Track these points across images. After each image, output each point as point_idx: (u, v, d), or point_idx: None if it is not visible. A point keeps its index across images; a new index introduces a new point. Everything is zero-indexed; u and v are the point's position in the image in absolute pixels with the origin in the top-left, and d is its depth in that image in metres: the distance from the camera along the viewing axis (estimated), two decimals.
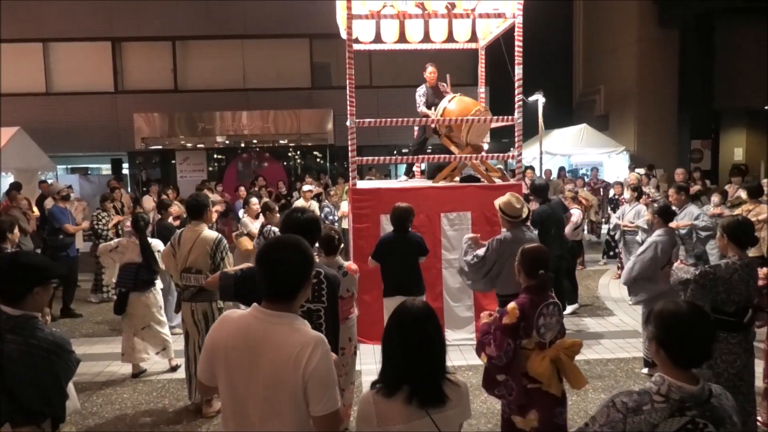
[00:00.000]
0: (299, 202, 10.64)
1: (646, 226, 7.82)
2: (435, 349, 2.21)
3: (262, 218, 7.29)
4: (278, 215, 7.63)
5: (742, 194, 8.33)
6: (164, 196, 10.73)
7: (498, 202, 4.95)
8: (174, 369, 5.90)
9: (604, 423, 1.98)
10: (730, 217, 4.23)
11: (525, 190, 8.23)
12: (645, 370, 5.55)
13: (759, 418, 4.36)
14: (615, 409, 1.96)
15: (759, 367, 4.39)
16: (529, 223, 6.42)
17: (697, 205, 7.73)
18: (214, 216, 8.45)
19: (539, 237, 5.59)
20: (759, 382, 4.59)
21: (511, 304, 3.29)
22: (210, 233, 4.91)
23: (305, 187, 10.95)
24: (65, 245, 8.10)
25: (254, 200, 7.69)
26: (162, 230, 7.06)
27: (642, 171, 12.96)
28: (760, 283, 4.06)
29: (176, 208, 8.06)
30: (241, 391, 2.12)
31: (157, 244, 5.94)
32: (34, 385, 2.48)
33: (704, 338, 1.95)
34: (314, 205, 10.56)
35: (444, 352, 2.26)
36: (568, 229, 7.74)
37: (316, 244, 3.49)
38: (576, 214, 8.65)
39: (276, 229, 6.72)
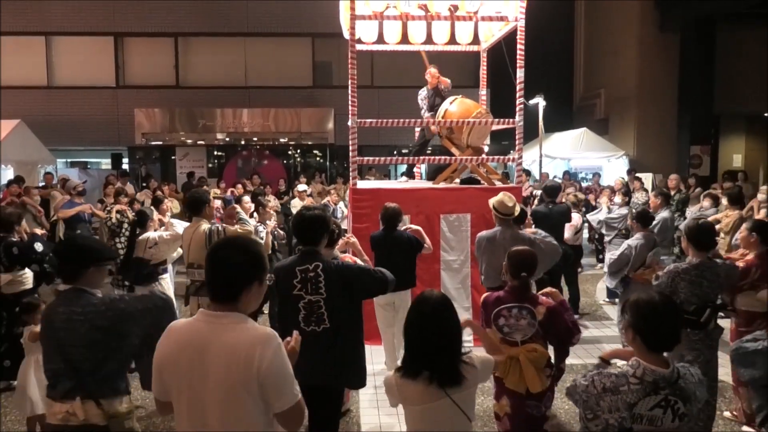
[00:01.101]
0: (295, 202, 10.65)
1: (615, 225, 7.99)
2: (452, 335, 2.44)
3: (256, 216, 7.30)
4: (271, 213, 7.63)
5: (724, 201, 8.43)
6: (158, 192, 10.73)
7: (492, 200, 5.26)
8: None
9: (583, 391, 2.26)
10: (692, 221, 4.47)
11: (524, 193, 8.28)
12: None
13: (728, 414, 4.72)
14: (593, 386, 2.23)
15: (724, 359, 4.47)
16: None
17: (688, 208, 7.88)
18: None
19: None
20: (729, 378, 4.84)
21: (485, 293, 3.73)
22: (204, 228, 4.98)
23: (300, 187, 10.95)
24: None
25: (246, 198, 7.64)
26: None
27: (640, 176, 13.05)
28: (740, 264, 4.33)
29: (169, 204, 8.08)
30: (197, 397, 2.05)
31: (162, 234, 6.00)
32: (80, 350, 2.60)
33: (674, 325, 2.24)
34: None
35: (460, 336, 2.49)
36: (568, 234, 7.76)
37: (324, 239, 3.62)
38: (575, 218, 8.67)
39: (261, 228, 6.72)
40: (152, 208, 7.01)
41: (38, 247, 5.68)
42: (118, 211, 8.10)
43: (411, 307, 2.55)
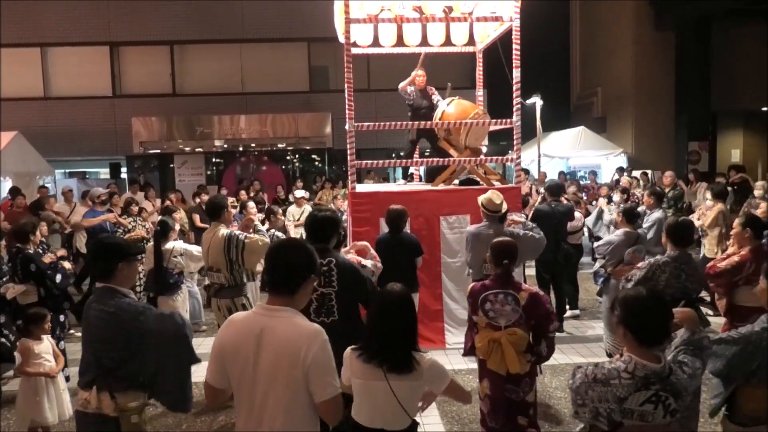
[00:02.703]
0: (292, 209, 10.64)
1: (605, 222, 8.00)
2: (407, 326, 2.69)
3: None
4: (281, 218, 7.66)
5: (707, 195, 8.45)
6: (168, 202, 10.66)
7: (481, 198, 5.46)
8: None
9: (577, 379, 2.30)
10: (673, 217, 4.66)
11: (523, 192, 8.26)
12: None
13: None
14: (585, 375, 2.28)
15: None
16: (529, 219, 6.54)
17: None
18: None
19: None
20: None
21: (471, 284, 3.97)
22: (222, 232, 5.02)
23: (298, 193, 10.94)
24: None
25: (251, 204, 7.66)
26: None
27: (636, 174, 13.04)
28: (735, 259, 4.39)
29: (179, 215, 8.07)
30: (250, 386, 2.27)
31: (189, 248, 6.11)
32: (105, 344, 2.77)
33: (662, 319, 2.26)
34: (307, 210, 10.55)
35: (415, 330, 2.72)
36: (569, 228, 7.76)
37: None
38: (577, 217, 8.65)
39: (280, 234, 6.77)
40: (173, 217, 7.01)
41: (58, 278, 5.62)
42: (142, 238, 8.04)
43: (376, 299, 2.85)
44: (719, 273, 4.43)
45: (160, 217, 7.27)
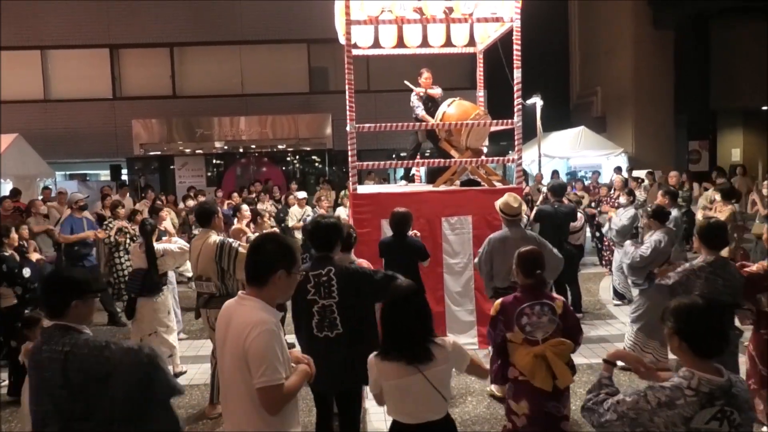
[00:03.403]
0: (294, 210, 10.65)
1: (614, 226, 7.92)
2: (420, 317, 2.74)
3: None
4: (267, 222, 7.58)
5: (716, 196, 8.42)
6: (158, 201, 10.66)
7: (498, 203, 5.35)
8: (178, 375, 5.89)
9: (631, 408, 2.10)
10: (703, 220, 4.44)
11: (523, 193, 8.24)
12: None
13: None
14: (645, 401, 2.07)
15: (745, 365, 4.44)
16: (531, 219, 6.51)
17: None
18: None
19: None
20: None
21: (498, 300, 3.70)
22: (214, 239, 4.90)
23: (300, 194, 10.96)
24: (81, 255, 8.00)
25: (245, 207, 7.61)
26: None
27: (637, 174, 13.00)
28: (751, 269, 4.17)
29: (166, 213, 8.03)
30: (221, 364, 2.47)
31: (169, 247, 6.00)
32: (64, 393, 2.40)
33: (722, 326, 2.11)
34: (308, 211, 10.57)
35: (429, 319, 2.78)
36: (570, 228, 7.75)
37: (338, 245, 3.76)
38: (578, 217, 8.65)
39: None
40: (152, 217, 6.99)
41: (26, 272, 5.66)
42: (119, 229, 8.04)
43: (387, 296, 2.87)
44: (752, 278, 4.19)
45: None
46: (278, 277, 2.41)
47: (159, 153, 17.26)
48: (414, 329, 2.69)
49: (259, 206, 10.01)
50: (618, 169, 14.20)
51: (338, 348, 3.41)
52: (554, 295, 3.64)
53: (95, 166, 19.23)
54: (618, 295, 8.34)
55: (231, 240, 4.96)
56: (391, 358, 2.67)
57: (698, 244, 4.13)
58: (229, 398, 2.44)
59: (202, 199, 11.04)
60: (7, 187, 12.38)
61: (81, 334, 2.48)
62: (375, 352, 2.76)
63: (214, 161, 17.80)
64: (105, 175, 18.73)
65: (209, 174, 17.52)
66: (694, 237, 4.22)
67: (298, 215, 10.49)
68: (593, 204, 11.23)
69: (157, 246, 5.95)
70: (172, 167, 17.39)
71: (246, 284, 2.46)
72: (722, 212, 7.73)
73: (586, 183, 14.13)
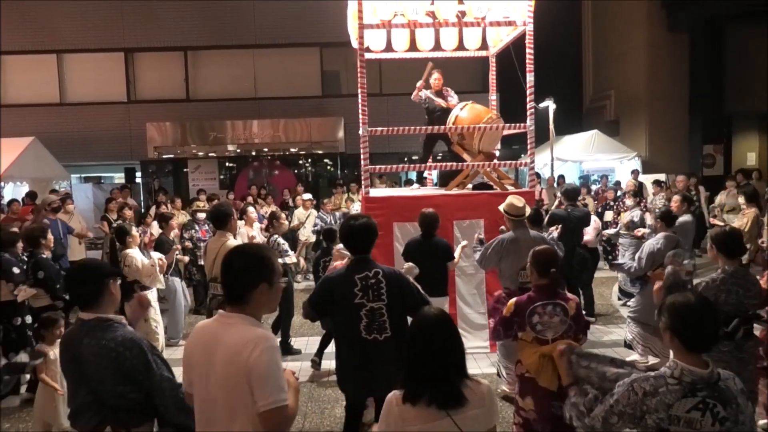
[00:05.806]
0: (299, 211, 10.69)
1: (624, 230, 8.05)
2: (452, 352, 2.28)
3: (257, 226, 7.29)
4: (285, 224, 7.59)
5: (740, 199, 8.36)
6: (164, 208, 10.63)
7: (501, 206, 5.40)
8: None
9: (627, 404, 2.21)
10: (718, 228, 4.37)
11: (536, 197, 8.23)
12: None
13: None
14: (633, 392, 2.20)
15: None
16: (545, 224, 6.53)
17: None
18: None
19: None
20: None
21: (512, 300, 3.70)
22: (232, 242, 4.92)
23: (305, 196, 10.99)
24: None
25: (251, 209, 7.63)
26: (159, 244, 7.05)
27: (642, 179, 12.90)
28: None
29: (176, 221, 8.02)
30: (203, 392, 2.24)
31: (137, 262, 5.85)
32: (110, 383, 2.56)
33: (712, 324, 2.22)
34: (313, 214, 10.61)
35: (463, 355, 2.33)
36: (591, 236, 7.75)
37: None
38: (595, 220, 8.60)
39: (281, 240, 6.69)
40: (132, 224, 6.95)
41: (15, 270, 5.64)
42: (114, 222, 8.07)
43: (411, 326, 2.45)
44: None
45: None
46: (260, 291, 2.24)
47: (173, 156, 17.39)
48: (445, 366, 2.24)
49: (261, 211, 10.11)
50: (636, 173, 14.09)
51: (387, 352, 3.40)
52: (569, 295, 3.64)
53: (110, 168, 19.41)
54: (624, 293, 8.32)
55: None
56: (418, 401, 2.21)
57: (714, 254, 4.01)
58: (216, 424, 2.21)
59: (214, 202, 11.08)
60: (22, 190, 12.56)
61: (125, 329, 2.64)
62: (394, 392, 2.30)
63: (227, 164, 17.92)
64: (119, 177, 18.91)
65: (222, 177, 17.63)
66: (709, 246, 4.10)
67: (301, 217, 10.57)
68: (600, 209, 11.14)
69: (130, 253, 5.88)
70: (185, 170, 17.52)
71: (227, 303, 2.28)
72: (746, 215, 7.66)
73: (597, 187, 14.02)
